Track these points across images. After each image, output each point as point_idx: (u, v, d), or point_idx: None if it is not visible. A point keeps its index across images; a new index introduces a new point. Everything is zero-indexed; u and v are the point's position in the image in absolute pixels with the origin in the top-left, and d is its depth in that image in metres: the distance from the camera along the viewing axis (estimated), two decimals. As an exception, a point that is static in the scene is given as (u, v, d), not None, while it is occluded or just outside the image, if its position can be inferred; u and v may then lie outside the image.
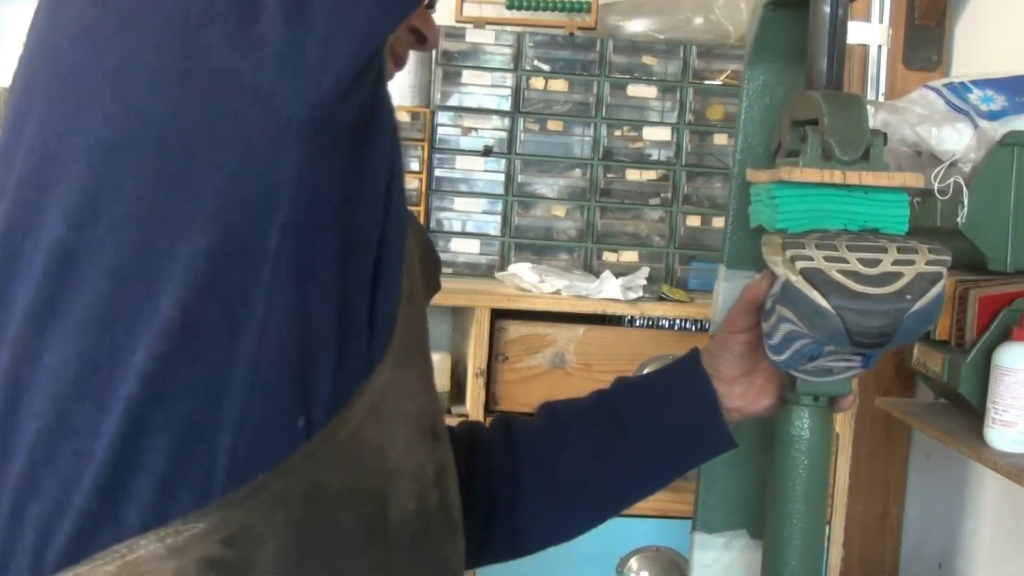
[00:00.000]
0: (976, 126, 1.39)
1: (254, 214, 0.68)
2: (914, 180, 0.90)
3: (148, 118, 0.67)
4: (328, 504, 0.72)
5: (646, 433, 1.01)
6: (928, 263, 0.83)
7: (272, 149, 0.67)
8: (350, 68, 0.68)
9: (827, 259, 0.83)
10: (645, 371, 1.75)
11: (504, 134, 1.96)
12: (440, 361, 1.81)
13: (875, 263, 0.83)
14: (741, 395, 1.02)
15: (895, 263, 0.83)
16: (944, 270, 0.83)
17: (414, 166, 1.94)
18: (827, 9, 0.94)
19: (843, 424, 1.76)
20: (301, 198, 0.69)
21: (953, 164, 1.39)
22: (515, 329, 1.78)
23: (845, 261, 0.83)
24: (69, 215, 0.68)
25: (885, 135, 0.92)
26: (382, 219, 0.75)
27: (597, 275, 1.85)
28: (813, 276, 0.82)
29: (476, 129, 1.96)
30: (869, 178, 0.89)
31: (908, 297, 0.81)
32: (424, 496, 0.79)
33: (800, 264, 0.83)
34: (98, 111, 0.68)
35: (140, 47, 0.68)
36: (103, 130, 0.68)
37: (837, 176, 0.89)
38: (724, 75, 1.98)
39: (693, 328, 1.84)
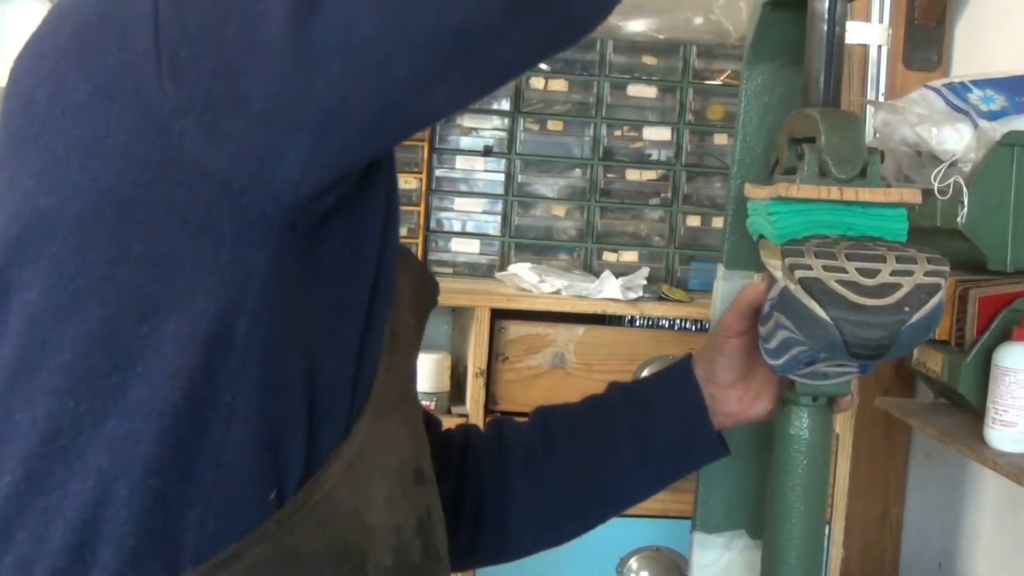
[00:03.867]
0: (976, 126, 1.39)
1: (221, 303, 0.67)
2: (911, 196, 0.90)
3: (114, 196, 0.66)
4: (303, 568, 0.71)
5: (635, 439, 1.01)
6: (927, 273, 0.82)
7: (241, 243, 0.66)
8: (332, 176, 0.66)
9: (826, 268, 0.83)
10: (645, 371, 1.75)
11: (504, 134, 1.96)
12: (440, 361, 1.81)
13: (874, 273, 0.82)
14: (738, 400, 1.01)
15: (893, 273, 0.82)
16: (942, 281, 0.82)
17: (414, 166, 1.94)
18: (823, 26, 0.94)
19: (843, 424, 1.76)
20: (270, 290, 0.68)
21: (953, 164, 1.39)
22: (515, 329, 1.78)
23: (844, 271, 0.82)
24: (37, 279, 0.68)
25: (882, 152, 0.91)
26: (371, 285, 0.74)
27: (597, 275, 1.85)
28: (812, 286, 0.82)
29: (476, 129, 1.96)
30: (866, 194, 0.89)
31: (906, 309, 0.80)
32: (403, 549, 0.78)
33: (799, 273, 0.83)
34: (66, 178, 0.67)
35: (114, 123, 0.66)
36: (70, 199, 0.67)
37: (834, 193, 0.89)
38: (724, 75, 1.98)
39: (693, 328, 1.84)
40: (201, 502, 0.68)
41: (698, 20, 2.00)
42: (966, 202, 1.36)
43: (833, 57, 0.94)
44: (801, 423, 0.99)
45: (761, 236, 0.97)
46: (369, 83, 0.62)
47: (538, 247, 1.98)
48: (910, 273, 0.82)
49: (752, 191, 0.98)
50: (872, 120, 1.57)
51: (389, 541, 0.77)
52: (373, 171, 0.72)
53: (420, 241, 1.96)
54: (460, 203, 1.97)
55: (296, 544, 0.71)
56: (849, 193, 0.89)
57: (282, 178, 0.64)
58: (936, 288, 0.82)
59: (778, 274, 0.89)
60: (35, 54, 0.72)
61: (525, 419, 1.05)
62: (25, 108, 0.70)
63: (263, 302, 0.68)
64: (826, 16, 0.94)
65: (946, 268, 0.84)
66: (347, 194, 0.70)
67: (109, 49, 0.66)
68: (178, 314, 0.66)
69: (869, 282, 0.82)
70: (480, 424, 1.72)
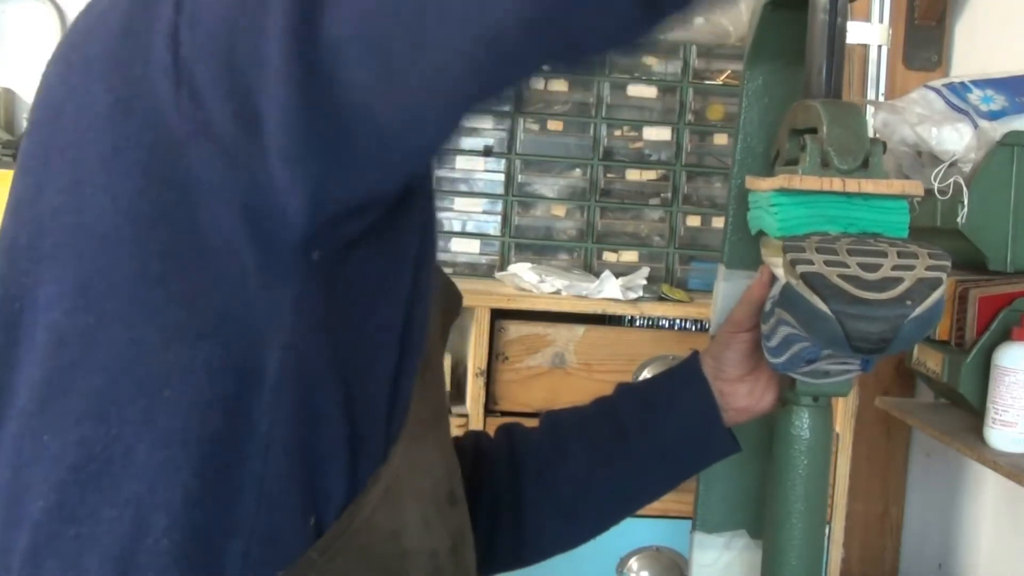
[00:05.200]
0: (976, 126, 1.39)
1: (252, 334, 0.66)
2: (913, 188, 0.90)
3: (134, 214, 0.65)
4: None
5: (647, 439, 1.01)
6: (928, 268, 0.82)
7: (266, 272, 0.65)
8: (348, 204, 0.65)
9: (827, 263, 0.83)
10: (645, 371, 1.75)
11: (504, 134, 1.96)
12: (440, 361, 1.80)
13: (875, 268, 0.82)
14: (748, 393, 1.01)
15: (895, 268, 0.82)
16: (944, 275, 0.82)
17: (414, 166, 1.94)
18: (825, 17, 0.94)
19: (843, 424, 1.76)
20: (301, 320, 0.66)
21: (953, 164, 1.39)
22: (515, 329, 1.78)
23: (846, 266, 0.82)
24: (63, 299, 0.66)
25: (884, 144, 0.91)
26: (406, 313, 0.73)
27: (597, 275, 1.85)
28: (813, 280, 0.82)
29: (476, 129, 1.96)
30: (868, 186, 0.89)
31: (908, 303, 0.80)
32: (439, 573, 0.77)
33: (800, 268, 0.83)
34: (91, 196, 0.65)
35: (134, 139, 0.64)
36: (93, 217, 0.65)
37: (836, 184, 0.89)
38: (724, 75, 1.98)
39: (693, 328, 1.84)
40: (244, 533, 0.67)
41: (698, 20, 2.00)
42: (966, 202, 1.36)
43: (834, 49, 0.94)
44: (801, 423, 0.99)
45: (762, 234, 0.97)
46: (379, 107, 0.60)
47: (538, 247, 1.98)
48: (911, 267, 0.82)
49: (754, 183, 0.98)
50: (872, 120, 1.57)
51: (425, 566, 0.76)
52: (408, 195, 0.71)
53: (420, 241, 1.96)
54: (460, 203, 1.97)
55: (338, 573, 0.70)
56: (852, 185, 0.89)
57: (296, 207, 0.62)
58: (938, 282, 0.82)
59: (779, 271, 0.89)
60: (67, 63, 0.70)
61: (534, 422, 1.05)
62: (54, 118, 0.69)
63: (294, 333, 0.66)
64: (827, 8, 0.94)
65: (947, 263, 0.84)
66: (377, 221, 0.68)
67: (132, 63, 0.64)
68: (208, 343, 0.65)
69: (871, 276, 0.82)
70: (481, 426, 1.72)
